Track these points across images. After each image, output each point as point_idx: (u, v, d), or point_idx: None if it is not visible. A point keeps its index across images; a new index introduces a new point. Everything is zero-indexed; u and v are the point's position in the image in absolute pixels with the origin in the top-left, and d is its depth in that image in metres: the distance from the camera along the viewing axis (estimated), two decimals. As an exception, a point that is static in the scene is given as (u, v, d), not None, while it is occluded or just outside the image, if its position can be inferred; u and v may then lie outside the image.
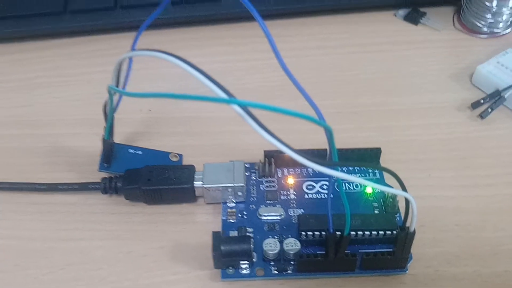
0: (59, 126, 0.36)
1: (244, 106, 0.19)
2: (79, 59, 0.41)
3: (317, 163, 0.21)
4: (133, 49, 0.25)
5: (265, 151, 0.31)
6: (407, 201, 0.24)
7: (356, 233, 0.27)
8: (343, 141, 0.27)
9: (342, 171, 0.24)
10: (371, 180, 0.31)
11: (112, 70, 0.25)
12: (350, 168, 0.32)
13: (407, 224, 0.25)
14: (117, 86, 0.26)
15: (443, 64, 0.40)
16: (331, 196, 0.25)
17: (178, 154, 0.33)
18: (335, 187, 0.30)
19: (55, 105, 0.38)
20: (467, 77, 0.39)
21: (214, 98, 0.20)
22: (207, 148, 0.34)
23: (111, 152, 0.31)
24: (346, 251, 0.26)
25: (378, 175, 0.32)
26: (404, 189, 0.23)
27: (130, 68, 0.27)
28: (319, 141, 0.26)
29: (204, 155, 0.34)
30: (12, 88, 0.39)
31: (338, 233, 0.25)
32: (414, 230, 0.25)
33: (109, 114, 0.28)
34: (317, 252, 0.28)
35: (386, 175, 0.32)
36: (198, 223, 0.30)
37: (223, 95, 0.20)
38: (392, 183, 0.29)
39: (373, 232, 0.27)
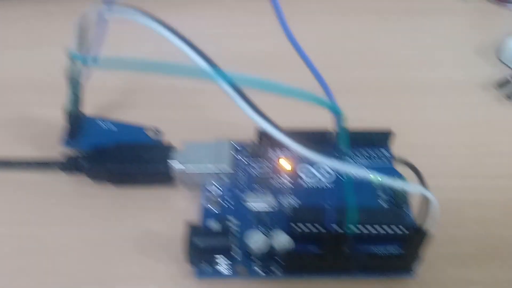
0: (22, 92, 0.32)
1: (232, 83, 0.15)
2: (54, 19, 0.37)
3: (325, 156, 0.16)
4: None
5: (258, 129, 0.27)
6: (425, 199, 0.20)
7: (360, 230, 0.22)
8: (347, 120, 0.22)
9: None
10: (380, 168, 0.27)
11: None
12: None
13: (424, 225, 0.21)
14: (80, 50, 0.22)
15: (466, 36, 0.36)
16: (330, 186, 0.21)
17: (156, 130, 0.29)
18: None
19: (17, 65, 0.34)
20: (494, 52, 0.34)
21: (193, 70, 0.15)
22: (190, 123, 0.30)
23: (77, 126, 0.27)
24: (345, 251, 0.22)
25: (387, 162, 0.27)
26: (424, 185, 0.19)
27: (101, 29, 0.23)
28: (319, 118, 0.22)
29: (187, 132, 0.29)
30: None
31: (338, 229, 0.21)
32: (429, 232, 0.21)
33: (70, 82, 0.24)
34: (311, 250, 0.23)
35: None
36: (174, 210, 0.26)
37: (204, 65, 0.15)
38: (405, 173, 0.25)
39: (379, 230, 0.23)
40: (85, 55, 0.21)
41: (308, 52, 0.19)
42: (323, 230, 0.23)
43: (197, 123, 0.30)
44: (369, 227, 0.22)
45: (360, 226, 0.22)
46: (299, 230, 0.23)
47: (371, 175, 0.21)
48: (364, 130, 0.27)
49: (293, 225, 0.23)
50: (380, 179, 0.18)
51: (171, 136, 0.29)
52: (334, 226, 0.22)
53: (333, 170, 0.25)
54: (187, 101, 0.31)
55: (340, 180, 0.26)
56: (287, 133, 0.16)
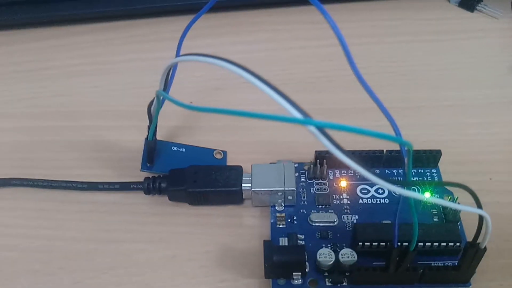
0: (98, 118, 0.35)
1: (320, 128, 0.18)
2: (115, 45, 0.40)
3: (394, 183, 0.19)
4: (178, 53, 0.23)
5: (316, 152, 0.29)
6: (480, 217, 0.22)
7: (422, 245, 0.25)
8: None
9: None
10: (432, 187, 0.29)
11: (160, 75, 0.24)
12: (400, 172, 0.30)
13: (479, 240, 0.23)
14: (164, 90, 0.24)
15: (501, 55, 0.37)
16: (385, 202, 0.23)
17: (222, 151, 0.32)
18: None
19: (93, 95, 0.36)
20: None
21: (287, 118, 0.18)
22: (251, 144, 0.33)
23: (154, 151, 0.29)
24: (407, 264, 0.25)
25: (436, 177, 0.30)
26: (479, 205, 0.22)
27: (174, 72, 0.26)
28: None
29: (248, 153, 0.32)
30: (48, 76, 0.38)
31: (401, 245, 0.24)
32: (485, 248, 0.23)
33: (154, 116, 0.26)
34: (374, 263, 0.26)
35: (444, 175, 0.30)
36: (245, 227, 0.29)
37: (297, 115, 0.18)
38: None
39: (436, 244, 0.25)
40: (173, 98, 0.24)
41: (349, 73, 0.21)
42: (385, 245, 0.26)
43: (258, 144, 0.33)
44: (428, 242, 0.25)
45: (421, 242, 0.25)
46: (363, 246, 0.26)
47: (428, 198, 0.23)
48: (415, 150, 0.29)
49: (358, 242, 0.26)
50: (438, 202, 0.21)
51: (235, 156, 0.31)
52: (396, 241, 0.24)
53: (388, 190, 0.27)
54: (248, 123, 0.33)
55: (394, 197, 0.29)
56: (356, 158, 0.19)
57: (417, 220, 0.22)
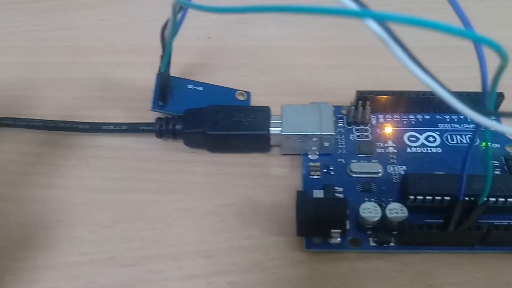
0: (106, 54, 0.30)
1: (383, 21, 0.13)
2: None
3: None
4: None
5: (358, 92, 0.25)
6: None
7: (494, 201, 0.21)
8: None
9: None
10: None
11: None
12: (454, 118, 0.26)
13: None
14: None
15: None
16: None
17: (245, 91, 0.27)
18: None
19: (101, 29, 0.32)
20: None
21: (338, 9, 0.13)
22: (278, 85, 0.28)
23: (167, 88, 0.25)
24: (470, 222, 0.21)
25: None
26: None
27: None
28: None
29: (275, 94, 0.28)
30: (51, 7, 0.33)
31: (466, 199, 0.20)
32: None
33: (168, 42, 0.22)
34: (426, 220, 0.22)
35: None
36: (273, 178, 0.25)
37: (351, 5, 0.13)
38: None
39: (504, 200, 0.21)
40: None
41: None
42: (441, 200, 0.21)
43: (287, 85, 0.28)
44: (502, 197, 0.21)
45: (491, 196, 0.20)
46: (415, 200, 0.22)
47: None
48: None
49: (409, 195, 0.22)
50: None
51: (261, 98, 0.27)
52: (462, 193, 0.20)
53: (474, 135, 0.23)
54: (274, 61, 0.29)
55: (448, 146, 0.25)
56: (451, 91, 0.14)
57: (491, 167, 0.18)
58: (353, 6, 0.13)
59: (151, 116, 0.26)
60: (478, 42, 0.14)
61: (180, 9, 0.20)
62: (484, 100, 0.16)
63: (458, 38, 0.13)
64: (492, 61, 0.15)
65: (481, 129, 0.19)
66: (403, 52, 0.13)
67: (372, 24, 0.13)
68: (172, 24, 0.20)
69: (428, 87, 0.14)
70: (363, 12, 0.13)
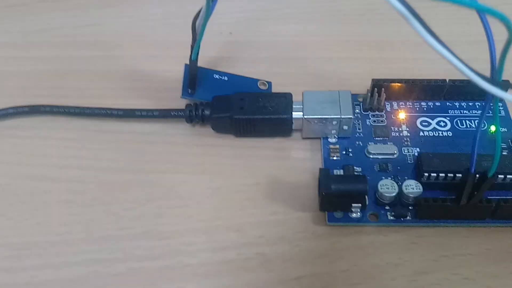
0: (132, 48, 0.32)
1: None
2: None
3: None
4: None
5: (373, 80, 0.27)
6: None
7: (503, 178, 0.22)
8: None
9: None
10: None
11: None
12: (463, 105, 0.28)
13: None
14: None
15: None
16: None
17: (266, 81, 0.29)
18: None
19: (127, 25, 0.34)
20: None
21: None
22: (297, 76, 0.30)
23: (195, 77, 0.27)
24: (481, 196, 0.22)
25: (503, 112, 0.27)
26: None
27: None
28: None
29: (295, 84, 0.29)
30: (79, 5, 0.35)
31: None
32: None
33: (200, 31, 0.24)
34: (439, 196, 0.24)
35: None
36: (295, 160, 0.26)
37: None
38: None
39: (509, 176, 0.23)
40: None
41: None
42: (453, 177, 0.23)
43: (302, 76, 0.30)
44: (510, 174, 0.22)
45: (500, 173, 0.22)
46: (429, 177, 0.23)
47: None
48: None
49: (424, 172, 0.23)
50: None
51: (281, 88, 0.29)
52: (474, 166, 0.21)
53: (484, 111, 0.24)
54: (292, 54, 0.31)
55: (458, 130, 0.26)
56: (464, 62, 0.16)
57: (500, 144, 0.20)
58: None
59: (178, 104, 0.28)
60: (483, 12, 0.15)
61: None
62: (492, 72, 0.18)
63: (464, 8, 0.14)
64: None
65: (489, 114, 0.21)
66: (422, 26, 0.15)
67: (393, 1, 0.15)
68: (205, 12, 0.22)
69: (444, 58, 0.16)
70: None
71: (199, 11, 0.23)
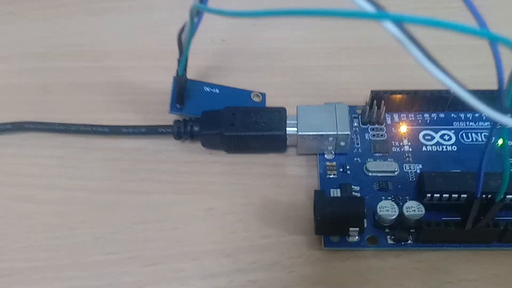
0: (121, 58, 0.31)
1: (400, 23, 0.13)
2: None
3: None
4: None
5: (372, 92, 0.25)
6: None
7: (511, 198, 0.21)
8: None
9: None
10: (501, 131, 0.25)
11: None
12: (469, 116, 0.26)
13: None
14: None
15: None
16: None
17: (260, 93, 0.28)
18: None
19: (116, 33, 0.32)
20: None
21: (357, 12, 0.14)
22: (293, 86, 0.29)
23: (184, 91, 0.25)
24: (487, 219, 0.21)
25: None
26: None
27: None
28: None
29: (291, 96, 0.28)
30: (65, 13, 0.34)
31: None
32: None
33: (185, 45, 0.22)
34: (442, 218, 0.22)
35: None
36: (289, 177, 0.25)
37: (368, 7, 0.14)
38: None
39: (521, 197, 0.22)
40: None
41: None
42: (457, 198, 0.22)
43: (301, 86, 0.29)
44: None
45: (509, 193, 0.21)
46: (432, 198, 0.22)
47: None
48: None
49: (425, 192, 0.22)
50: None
51: (276, 100, 0.27)
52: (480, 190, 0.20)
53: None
54: (288, 63, 0.30)
55: (463, 144, 0.25)
56: (468, 90, 0.15)
57: (509, 164, 0.18)
58: (370, 8, 0.14)
59: (167, 118, 0.26)
60: (495, 41, 0.14)
61: (197, 13, 0.20)
62: (500, 98, 0.16)
63: (474, 37, 0.13)
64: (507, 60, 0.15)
65: (498, 127, 0.20)
66: (421, 52, 0.14)
67: (390, 26, 0.13)
68: (189, 28, 0.20)
69: (446, 86, 0.14)
70: (381, 14, 0.13)
71: (184, 25, 0.22)
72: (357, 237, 0.22)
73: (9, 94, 0.29)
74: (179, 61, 0.24)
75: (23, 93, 0.29)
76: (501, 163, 0.18)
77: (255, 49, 0.31)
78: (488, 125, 0.25)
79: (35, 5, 0.34)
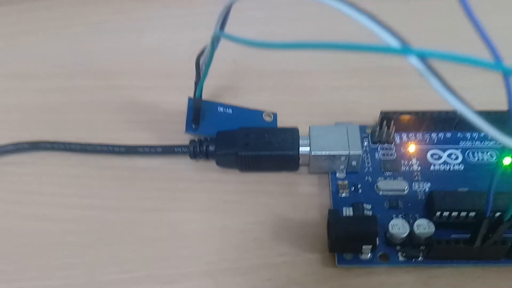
0: (133, 78, 0.31)
1: (424, 58, 0.14)
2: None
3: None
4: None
5: (382, 112, 0.26)
6: None
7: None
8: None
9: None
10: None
11: (218, 14, 0.20)
12: (474, 136, 0.27)
13: None
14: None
15: None
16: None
17: (272, 113, 0.28)
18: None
19: (126, 53, 0.33)
20: None
21: (382, 47, 0.14)
22: (304, 106, 0.29)
23: (199, 112, 0.26)
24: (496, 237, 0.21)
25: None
26: None
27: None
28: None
29: (301, 115, 0.29)
30: (77, 33, 0.34)
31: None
32: None
33: (204, 69, 0.23)
34: (452, 235, 0.23)
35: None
36: (302, 196, 0.26)
37: (393, 42, 0.14)
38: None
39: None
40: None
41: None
42: (466, 216, 0.22)
43: (312, 106, 0.29)
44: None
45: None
46: (441, 216, 0.23)
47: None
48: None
49: (435, 210, 0.22)
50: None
51: (287, 119, 0.28)
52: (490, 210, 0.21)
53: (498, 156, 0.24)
54: (299, 83, 0.30)
55: (470, 163, 0.26)
56: (483, 115, 0.15)
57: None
58: (395, 43, 0.14)
59: (181, 137, 0.27)
60: (509, 75, 0.15)
61: (218, 40, 0.21)
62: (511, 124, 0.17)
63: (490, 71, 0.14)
64: None
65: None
66: (441, 84, 0.14)
67: (414, 61, 0.14)
68: (209, 54, 0.21)
69: (464, 115, 0.15)
70: (406, 50, 0.14)
71: (204, 49, 0.22)
72: (369, 254, 0.23)
73: (25, 114, 0.30)
74: (196, 83, 0.24)
75: (40, 112, 0.30)
76: (509, 183, 0.19)
77: (265, 70, 0.31)
78: (493, 144, 0.26)
79: (44, 25, 0.35)
